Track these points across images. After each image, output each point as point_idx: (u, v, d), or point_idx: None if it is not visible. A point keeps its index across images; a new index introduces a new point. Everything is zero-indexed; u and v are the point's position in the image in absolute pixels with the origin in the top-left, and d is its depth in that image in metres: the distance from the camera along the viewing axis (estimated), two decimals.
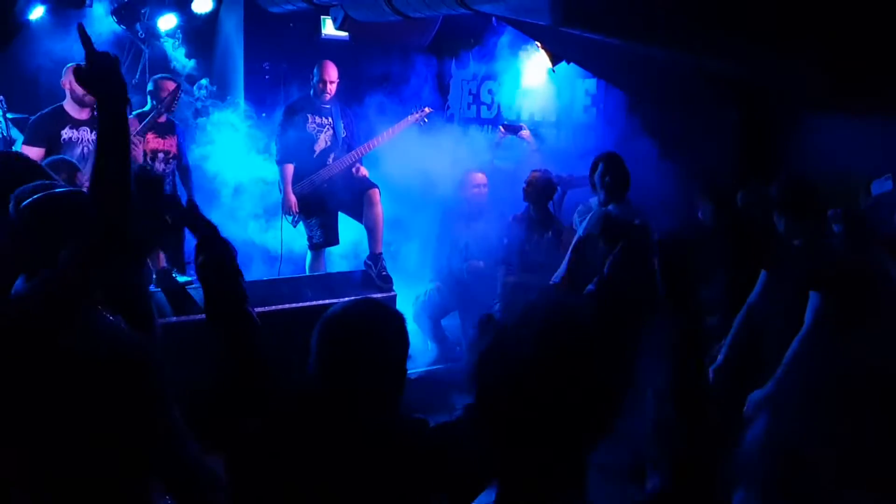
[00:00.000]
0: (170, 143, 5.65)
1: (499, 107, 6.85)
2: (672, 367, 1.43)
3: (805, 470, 0.91)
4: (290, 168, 5.86)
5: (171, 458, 2.23)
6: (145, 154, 5.42)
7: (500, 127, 6.43)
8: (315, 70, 5.92)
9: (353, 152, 5.96)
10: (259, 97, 6.85)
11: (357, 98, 6.34)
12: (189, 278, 5.03)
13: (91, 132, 5.14)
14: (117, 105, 1.96)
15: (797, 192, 3.79)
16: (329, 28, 6.83)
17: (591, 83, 6.06)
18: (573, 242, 4.73)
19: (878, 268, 3.56)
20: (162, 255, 4.84)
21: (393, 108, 6.16)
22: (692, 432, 1.40)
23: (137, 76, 6.57)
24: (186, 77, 6.67)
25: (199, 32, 7.00)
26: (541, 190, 5.27)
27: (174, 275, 4.96)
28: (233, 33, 7.17)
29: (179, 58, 6.72)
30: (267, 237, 6.19)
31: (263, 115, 6.63)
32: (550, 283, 4.76)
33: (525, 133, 6.23)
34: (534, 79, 6.40)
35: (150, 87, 5.70)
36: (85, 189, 2.53)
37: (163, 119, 5.55)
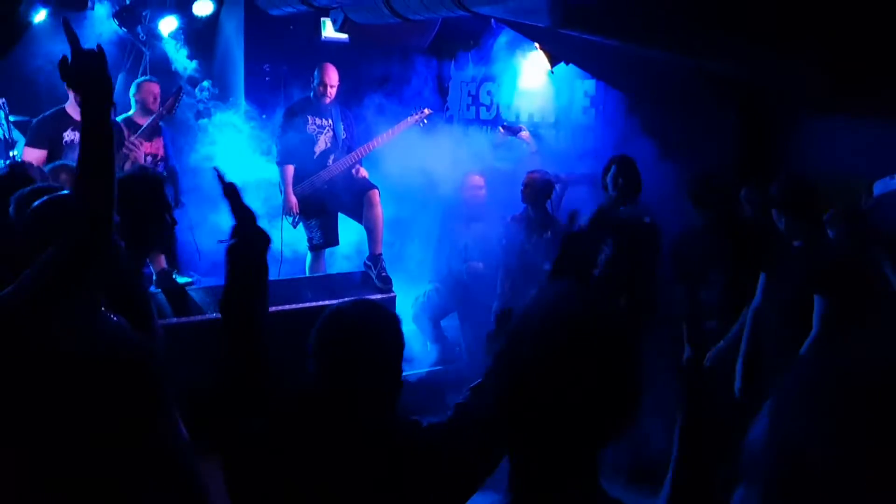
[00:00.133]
0: (157, 146, 5.66)
1: (498, 108, 6.85)
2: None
3: (807, 470, 0.91)
4: (290, 169, 5.87)
5: (169, 458, 2.24)
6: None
7: (500, 128, 6.43)
8: (315, 73, 5.93)
9: (352, 153, 5.97)
10: (259, 99, 6.87)
11: (357, 100, 6.35)
12: (189, 279, 5.04)
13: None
14: (100, 103, 1.96)
15: (797, 191, 3.80)
16: (329, 30, 6.84)
17: (590, 84, 6.06)
18: (560, 237, 4.75)
19: (878, 268, 3.56)
20: (162, 257, 4.85)
21: (392, 109, 6.17)
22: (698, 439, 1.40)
23: (148, 77, 6.58)
24: (188, 79, 6.69)
25: (199, 35, 7.01)
26: (538, 190, 5.28)
27: (174, 276, 4.97)
28: (233, 35, 7.18)
29: (180, 60, 6.74)
30: (276, 237, 6.19)
31: (264, 116, 6.65)
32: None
33: (525, 134, 6.24)
34: (533, 80, 6.40)
35: (132, 90, 5.69)
36: None
37: (146, 120, 5.58)
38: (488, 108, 6.94)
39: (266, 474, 1.81)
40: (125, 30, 6.55)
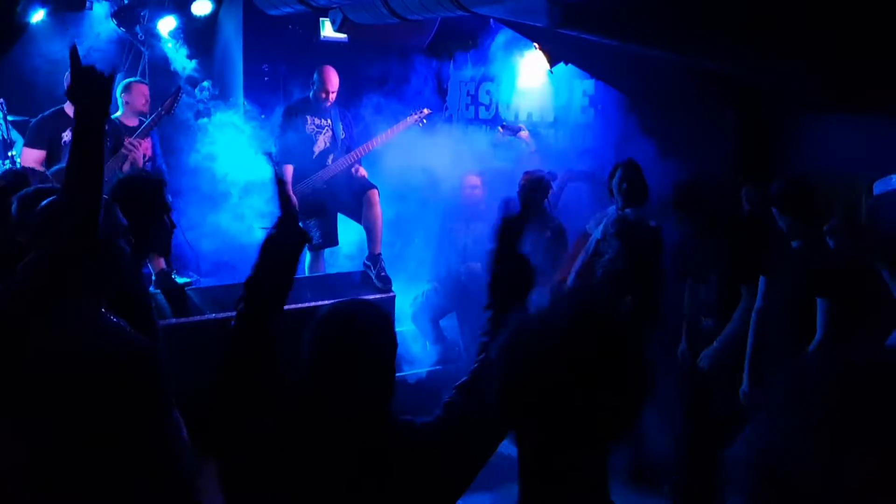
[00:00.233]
0: (146, 146, 5.65)
1: (497, 108, 6.85)
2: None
3: (785, 487, 0.90)
4: (289, 168, 5.87)
5: (169, 460, 2.23)
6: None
7: (499, 128, 6.43)
8: (316, 76, 5.92)
9: (351, 153, 5.96)
10: (258, 99, 6.87)
11: (356, 100, 6.35)
12: (188, 279, 5.04)
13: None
14: (98, 115, 1.97)
15: (798, 192, 3.81)
16: (328, 30, 6.84)
17: (588, 84, 6.06)
18: (590, 244, 4.79)
19: (877, 269, 3.57)
20: (161, 258, 4.85)
21: (391, 109, 6.17)
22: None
23: (137, 78, 6.57)
24: (187, 79, 6.68)
25: (198, 34, 7.01)
26: (535, 190, 5.28)
27: (173, 276, 4.97)
28: (232, 35, 7.18)
29: (179, 60, 6.73)
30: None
31: (262, 116, 6.64)
32: (568, 285, 4.83)
33: (524, 134, 6.24)
34: (532, 80, 6.40)
35: (119, 91, 5.66)
36: None
37: (134, 122, 5.58)
38: (487, 108, 6.94)
39: (267, 474, 1.81)
40: (123, 29, 6.55)
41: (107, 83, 1.98)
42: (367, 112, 6.22)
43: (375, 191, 5.75)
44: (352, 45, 6.84)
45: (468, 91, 7.10)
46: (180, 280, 5.12)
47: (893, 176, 3.86)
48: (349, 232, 6.20)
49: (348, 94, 6.31)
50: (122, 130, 5.47)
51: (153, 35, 6.70)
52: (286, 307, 2.05)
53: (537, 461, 1.31)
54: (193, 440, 2.42)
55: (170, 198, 5.44)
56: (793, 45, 3.98)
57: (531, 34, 5.56)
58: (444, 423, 1.89)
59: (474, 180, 5.85)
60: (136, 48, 6.69)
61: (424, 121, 6.06)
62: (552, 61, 5.78)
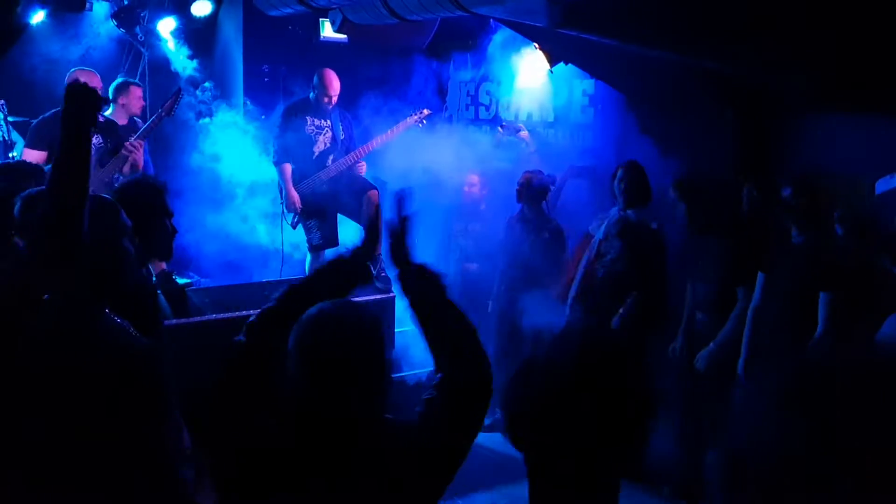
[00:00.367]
0: None
1: (497, 108, 6.85)
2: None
3: (784, 485, 0.90)
4: (288, 167, 5.87)
5: (169, 462, 2.23)
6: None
7: (499, 127, 6.43)
8: (316, 79, 5.91)
9: (352, 154, 5.96)
10: (258, 99, 6.87)
11: (355, 100, 6.34)
12: (188, 280, 5.04)
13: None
14: (82, 122, 2.00)
15: (808, 187, 3.82)
16: (327, 30, 6.84)
17: (588, 84, 6.06)
18: (593, 245, 4.80)
19: (880, 266, 3.57)
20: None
21: (391, 109, 6.17)
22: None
23: (136, 79, 6.58)
24: (187, 79, 6.69)
25: (198, 35, 7.01)
26: (534, 191, 5.28)
27: (174, 276, 4.96)
28: (232, 36, 7.18)
29: (179, 60, 6.73)
30: (277, 238, 6.19)
31: (262, 116, 6.65)
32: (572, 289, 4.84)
33: (524, 134, 6.24)
34: (532, 79, 6.40)
35: (111, 91, 5.65)
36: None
37: (125, 122, 5.57)
38: (487, 108, 6.94)
39: (267, 474, 1.81)
40: (123, 30, 6.54)
41: (95, 95, 2.01)
42: (366, 112, 6.22)
43: (376, 191, 5.75)
44: (351, 46, 6.84)
45: (468, 91, 7.10)
46: (181, 281, 5.11)
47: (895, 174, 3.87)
48: (350, 232, 6.19)
49: (348, 94, 6.30)
50: (122, 131, 5.47)
51: (153, 36, 6.70)
52: None
53: (545, 480, 1.34)
54: (192, 436, 2.42)
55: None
56: (793, 45, 3.98)
57: (531, 34, 5.56)
58: (425, 419, 1.91)
59: (472, 178, 5.86)
60: (136, 49, 6.69)
61: (424, 121, 6.06)
62: (552, 61, 5.78)
